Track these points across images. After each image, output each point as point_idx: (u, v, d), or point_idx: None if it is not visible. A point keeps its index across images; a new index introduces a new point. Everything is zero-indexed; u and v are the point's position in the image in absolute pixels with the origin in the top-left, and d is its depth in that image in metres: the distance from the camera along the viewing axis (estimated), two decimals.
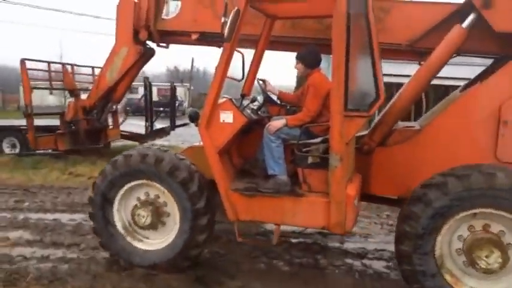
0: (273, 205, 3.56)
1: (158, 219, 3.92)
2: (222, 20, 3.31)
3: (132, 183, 3.92)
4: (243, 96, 4.07)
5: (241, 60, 3.96)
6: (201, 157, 3.78)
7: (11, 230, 4.98)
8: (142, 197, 3.95)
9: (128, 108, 31.98)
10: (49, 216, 5.50)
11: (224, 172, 3.67)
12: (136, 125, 9.77)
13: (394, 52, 4.18)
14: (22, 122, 8.86)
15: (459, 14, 3.71)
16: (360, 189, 3.72)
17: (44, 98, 25.44)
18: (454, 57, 3.90)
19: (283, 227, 4.01)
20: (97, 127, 5.55)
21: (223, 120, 3.58)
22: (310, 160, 3.50)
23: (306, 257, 4.38)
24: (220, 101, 3.62)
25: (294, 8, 3.84)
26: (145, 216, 3.88)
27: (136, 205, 3.93)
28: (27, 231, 4.94)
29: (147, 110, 7.63)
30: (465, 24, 3.62)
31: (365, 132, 4.06)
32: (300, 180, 3.56)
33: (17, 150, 9.55)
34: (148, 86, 7.48)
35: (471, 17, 3.61)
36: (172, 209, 3.86)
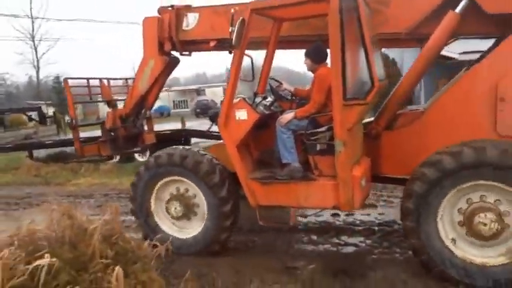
0: (288, 190, 3.95)
1: (189, 210, 4.41)
2: (230, 29, 3.73)
3: (165, 180, 4.44)
4: (255, 94, 4.46)
5: (252, 62, 4.35)
6: (224, 153, 4.22)
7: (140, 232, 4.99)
8: (174, 192, 4.46)
9: (197, 110, 33.80)
10: None
11: (243, 163, 4.09)
12: None
13: (397, 41, 4.43)
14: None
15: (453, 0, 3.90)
16: (367, 170, 4.02)
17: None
18: (453, 41, 4.11)
19: None
20: (134, 132, 6.16)
21: (239, 118, 4.01)
22: (318, 147, 3.85)
23: None
24: (235, 100, 4.05)
25: (296, 10, 4.19)
26: (176, 208, 4.39)
27: (169, 199, 4.45)
28: None
29: None
30: (458, 9, 3.82)
31: (373, 118, 4.35)
32: (311, 166, 3.92)
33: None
34: None
35: (463, 2, 3.81)
36: (201, 200, 4.34)
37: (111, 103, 6.19)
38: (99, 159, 6.94)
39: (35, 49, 41.99)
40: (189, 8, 5.36)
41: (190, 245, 4.40)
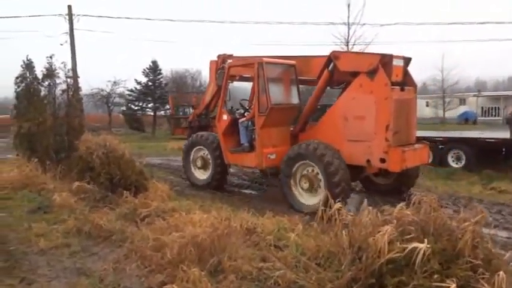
0: (239, 157, 7.83)
1: (206, 165, 8.64)
2: (216, 75, 7.81)
3: (196, 147, 8.79)
4: (232, 107, 8.34)
5: (229, 91, 8.28)
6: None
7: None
8: (199, 155, 8.75)
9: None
10: None
11: (226, 142, 8.08)
12: None
13: (314, 82, 7.75)
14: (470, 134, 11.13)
15: (328, 62, 7.12)
16: (281, 152, 7.52)
17: None
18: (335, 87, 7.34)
19: None
20: (203, 124, 10.67)
21: (223, 118, 8.04)
22: (253, 136, 7.62)
23: None
24: (223, 109, 8.09)
25: (245, 66, 8.04)
26: (200, 162, 8.67)
27: (196, 158, 8.77)
28: None
29: None
30: (329, 68, 7.06)
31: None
32: (252, 145, 7.70)
33: (462, 163, 10.38)
34: None
35: (331, 64, 7.03)
36: (209, 159, 8.52)
37: (194, 106, 10.86)
38: (182, 138, 11.66)
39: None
40: (229, 56, 9.55)
41: (208, 183, 8.61)
